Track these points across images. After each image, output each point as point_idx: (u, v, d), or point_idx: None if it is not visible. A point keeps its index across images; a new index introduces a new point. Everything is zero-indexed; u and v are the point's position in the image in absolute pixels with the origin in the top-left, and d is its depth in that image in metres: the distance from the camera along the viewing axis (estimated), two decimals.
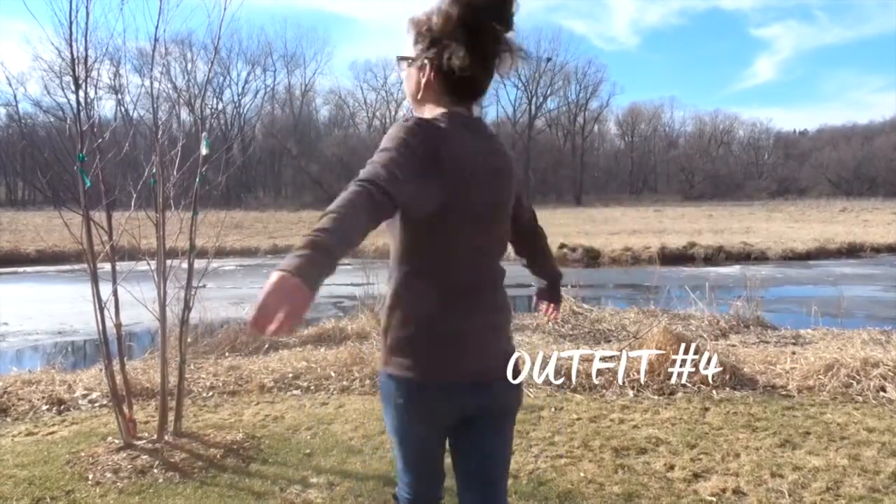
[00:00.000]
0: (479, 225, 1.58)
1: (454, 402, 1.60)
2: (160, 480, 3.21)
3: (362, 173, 1.37)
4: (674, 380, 4.75)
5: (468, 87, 1.59)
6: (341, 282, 13.29)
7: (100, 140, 3.46)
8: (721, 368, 4.78)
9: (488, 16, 1.53)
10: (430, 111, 1.60)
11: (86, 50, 3.40)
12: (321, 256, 1.16)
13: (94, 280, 3.40)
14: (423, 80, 1.60)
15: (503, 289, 1.69)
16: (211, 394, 4.79)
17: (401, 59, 1.65)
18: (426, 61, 1.58)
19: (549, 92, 63.92)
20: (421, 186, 1.43)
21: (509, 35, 1.58)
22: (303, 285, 1.10)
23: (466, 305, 1.58)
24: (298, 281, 1.10)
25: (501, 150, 1.68)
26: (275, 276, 1.11)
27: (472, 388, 1.60)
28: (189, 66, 52.63)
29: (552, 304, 2.06)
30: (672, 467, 3.36)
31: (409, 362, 1.56)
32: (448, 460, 1.74)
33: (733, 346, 6.02)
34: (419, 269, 1.56)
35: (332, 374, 5.02)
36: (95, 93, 3.74)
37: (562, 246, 17.36)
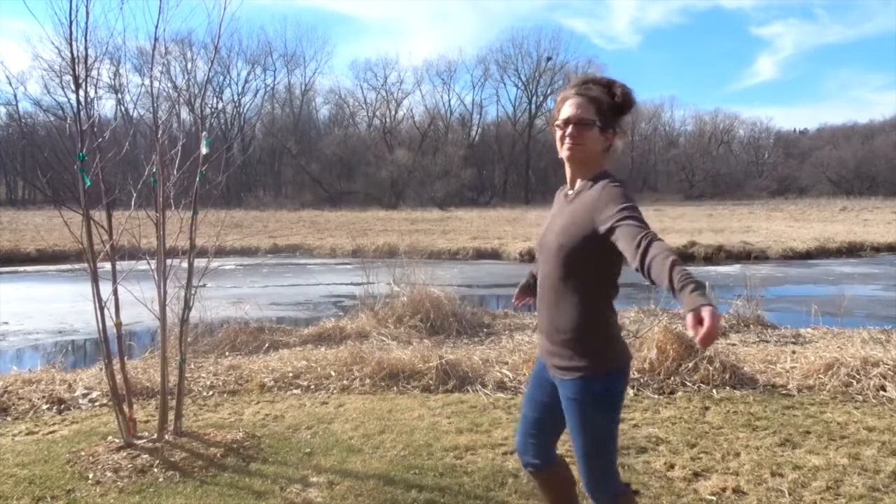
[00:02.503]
0: None
1: None
2: (160, 479, 3.21)
3: (647, 225, 1.84)
4: (673, 379, 4.75)
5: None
6: (341, 281, 13.32)
7: (100, 139, 3.46)
8: (721, 367, 4.78)
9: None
10: (597, 165, 2.08)
11: (86, 49, 3.40)
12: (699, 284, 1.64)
13: (95, 279, 3.40)
14: (608, 144, 2.08)
15: None
16: (211, 393, 4.79)
17: (590, 120, 2.05)
18: (615, 129, 2.08)
19: (549, 91, 63.71)
20: None
21: None
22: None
23: None
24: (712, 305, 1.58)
25: None
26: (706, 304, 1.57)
27: None
28: (189, 65, 52.74)
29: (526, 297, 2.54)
30: (672, 466, 3.36)
31: (625, 356, 2.09)
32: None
33: (733, 345, 6.02)
34: (610, 294, 2.08)
35: (333, 374, 5.02)
36: (95, 92, 3.75)
37: None
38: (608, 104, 2.06)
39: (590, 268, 2.01)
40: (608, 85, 2.08)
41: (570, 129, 2.06)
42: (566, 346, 2.05)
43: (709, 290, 1.72)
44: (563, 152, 2.10)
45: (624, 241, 1.82)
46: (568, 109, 2.08)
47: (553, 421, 2.22)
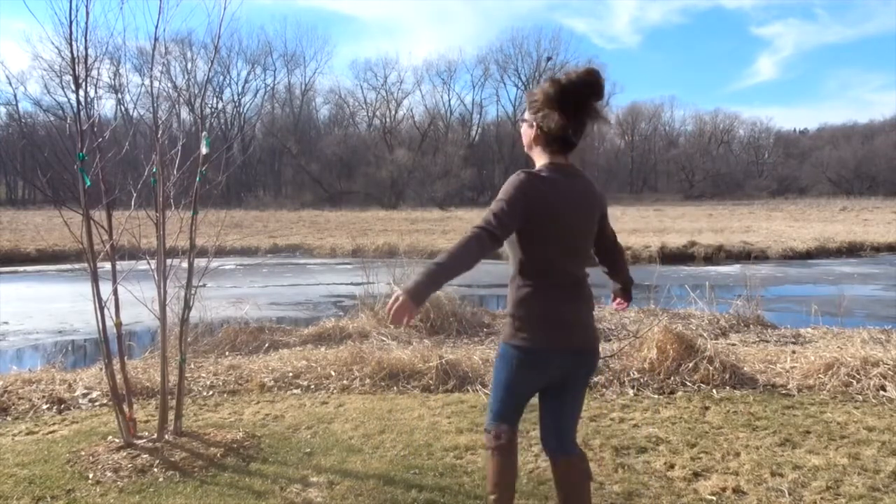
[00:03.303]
0: (567, 243, 2.21)
1: (554, 364, 2.24)
2: (160, 479, 3.21)
3: (481, 219, 2.08)
4: (673, 379, 4.75)
5: (560, 142, 2.22)
6: (341, 281, 13.32)
7: (100, 139, 3.46)
8: (721, 367, 4.78)
9: (574, 94, 2.14)
10: (538, 158, 2.27)
11: (86, 49, 3.40)
12: (429, 279, 1.96)
13: (95, 279, 3.40)
14: (532, 136, 2.26)
15: (588, 285, 2.31)
16: (211, 393, 4.79)
17: (520, 119, 2.33)
18: (534, 123, 2.23)
19: None
20: (523, 223, 2.13)
21: (597, 105, 2.20)
22: (410, 300, 1.92)
23: (567, 298, 2.23)
24: (408, 297, 1.92)
25: (587, 187, 2.27)
26: (397, 293, 1.93)
27: (571, 356, 2.25)
28: (189, 65, 52.77)
29: (624, 301, 2.66)
30: (672, 466, 3.36)
31: (527, 336, 2.21)
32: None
33: (733, 345, 6.02)
34: (532, 273, 2.22)
35: (333, 374, 5.02)
36: (95, 92, 3.75)
37: None
38: (533, 98, 2.24)
39: (512, 252, 2.25)
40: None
41: None
42: None
43: (421, 280, 1.95)
44: None
45: None
46: None
47: (552, 407, 2.36)
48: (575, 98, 2.15)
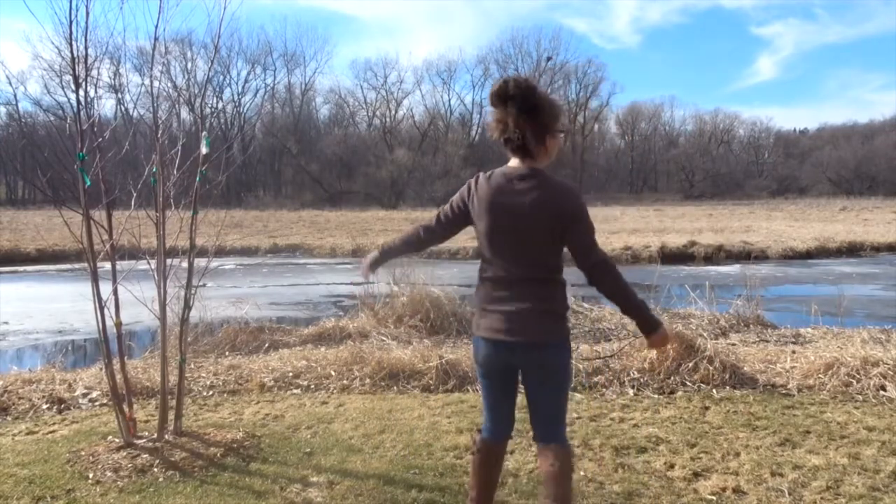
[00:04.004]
0: (500, 242, 2.30)
1: (496, 355, 2.34)
2: (160, 479, 3.21)
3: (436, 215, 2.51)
4: (673, 378, 4.75)
5: (506, 146, 2.30)
6: (341, 281, 13.32)
7: (100, 139, 3.46)
8: (721, 367, 4.78)
9: (499, 101, 2.23)
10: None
11: (86, 49, 3.40)
12: (379, 253, 2.62)
13: (95, 279, 3.40)
14: None
15: (538, 285, 2.29)
16: (211, 393, 4.79)
17: None
18: None
19: (549, 91, 63.63)
20: (466, 220, 2.41)
21: (542, 113, 2.23)
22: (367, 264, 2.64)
23: (500, 292, 2.31)
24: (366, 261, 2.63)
25: (538, 193, 2.24)
26: (362, 261, 2.68)
27: (495, 345, 2.32)
28: (189, 65, 52.79)
29: (647, 343, 2.43)
30: (672, 466, 3.36)
31: (475, 324, 2.42)
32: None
33: (733, 344, 6.02)
34: (480, 267, 2.41)
35: (333, 373, 5.02)
36: (95, 92, 3.75)
37: None
38: None
39: None
40: None
41: None
42: None
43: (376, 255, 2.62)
44: None
45: None
46: None
47: (529, 402, 2.42)
48: (493, 105, 2.26)
